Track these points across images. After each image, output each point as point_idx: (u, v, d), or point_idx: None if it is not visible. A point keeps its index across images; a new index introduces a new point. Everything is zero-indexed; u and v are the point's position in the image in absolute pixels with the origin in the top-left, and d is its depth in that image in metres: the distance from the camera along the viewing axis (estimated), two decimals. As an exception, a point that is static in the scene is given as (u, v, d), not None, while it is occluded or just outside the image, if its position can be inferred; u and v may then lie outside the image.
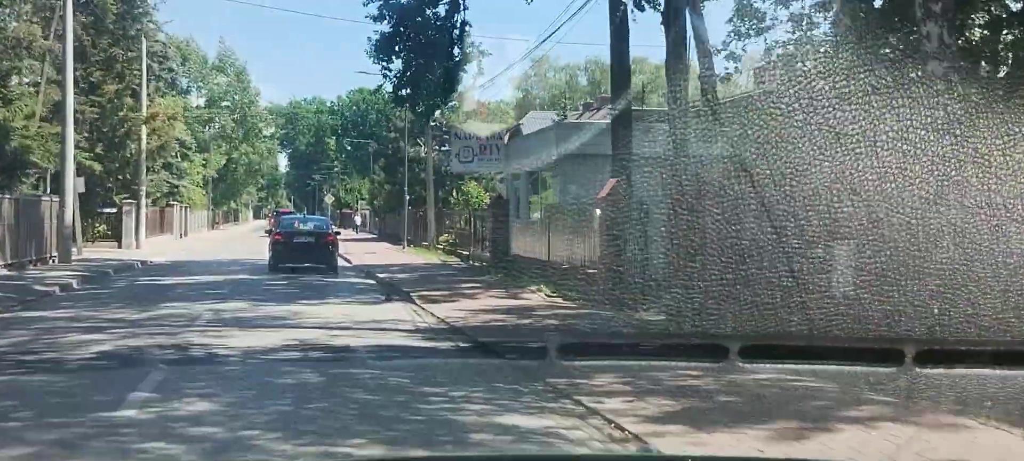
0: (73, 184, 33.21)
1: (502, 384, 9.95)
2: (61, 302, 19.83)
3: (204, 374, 10.34)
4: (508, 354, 11.96)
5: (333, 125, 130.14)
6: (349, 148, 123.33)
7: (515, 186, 33.42)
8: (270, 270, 29.52)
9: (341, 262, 35.12)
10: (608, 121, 39.84)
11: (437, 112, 52.60)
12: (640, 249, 19.26)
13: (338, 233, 34.02)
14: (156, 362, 11.18)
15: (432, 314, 17.76)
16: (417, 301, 20.22)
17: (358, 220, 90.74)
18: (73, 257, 32.84)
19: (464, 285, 24.36)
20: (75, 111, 41.79)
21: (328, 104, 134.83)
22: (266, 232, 54.98)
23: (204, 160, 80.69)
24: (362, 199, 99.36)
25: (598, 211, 21.08)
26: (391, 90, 31.17)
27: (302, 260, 29.48)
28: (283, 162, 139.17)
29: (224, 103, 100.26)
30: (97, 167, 42.53)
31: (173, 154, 58.53)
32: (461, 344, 13.54)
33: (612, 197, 20.52)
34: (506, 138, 35.49)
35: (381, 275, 28.36)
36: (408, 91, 31.69)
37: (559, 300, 20.40)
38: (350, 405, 8.63)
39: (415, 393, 9.31)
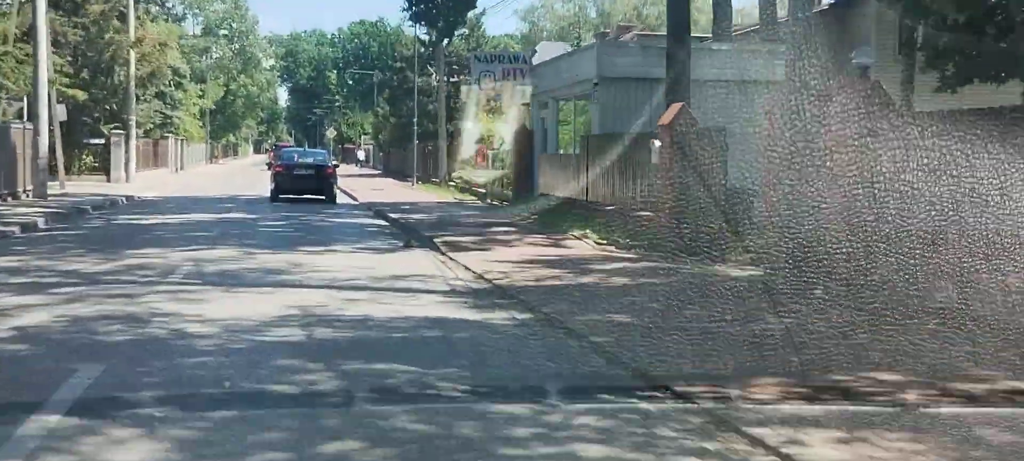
0: (48, 111, 29.69)
1: (612, 397, 6.50)
2: (14, 247, 16.33)
3: (156, 377, 6.78)
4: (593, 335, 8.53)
5: (334, 58, 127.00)
6: (351, 82, 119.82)
7: (540, 116, 29.84)
8: (272, 200, 30.12)
9: (347, 199, 33.08)
10: (635, 43, 36.15)
11: (445, 41, 48.99)
12: (718, 188, 15.81)
13: (337, 165, 35.04)
14: (93, 349, 7.75)
15: (465, 267, 14.32)
16: (442, 249, 16.79)
17: (361, 155, 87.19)
18: (51, 192, 29.44)
19: (493, 229, 20.87)
20: (56, 34, 38.29)
21: (329, 36, 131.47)
22: (267, 166, 53.36)
23: (201, 91, 76.87)
24: (365, 133, 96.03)
25: (656, 142, 17.51)
26: (406, 6, 27.57)
27: (303, 190, 30.50)
28: (283, 96, 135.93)
29: (222, 31, 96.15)
30: (81, 95, 38.79)
31: (166, 83, 54.72)
32: (516, 314, 10.07)
33: (678, 125, 16.99)
34: (531, 60, 31.72)
35: (393, 215, 24.95)
36: (423, 6, 28.10)
37: (612, 249, 16.96)
38: (388, 452, 5.19)
39: (487, 420, 5.80)
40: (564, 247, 17.30)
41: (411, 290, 11.90)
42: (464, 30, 51.35)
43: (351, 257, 15.67)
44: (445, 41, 48.66)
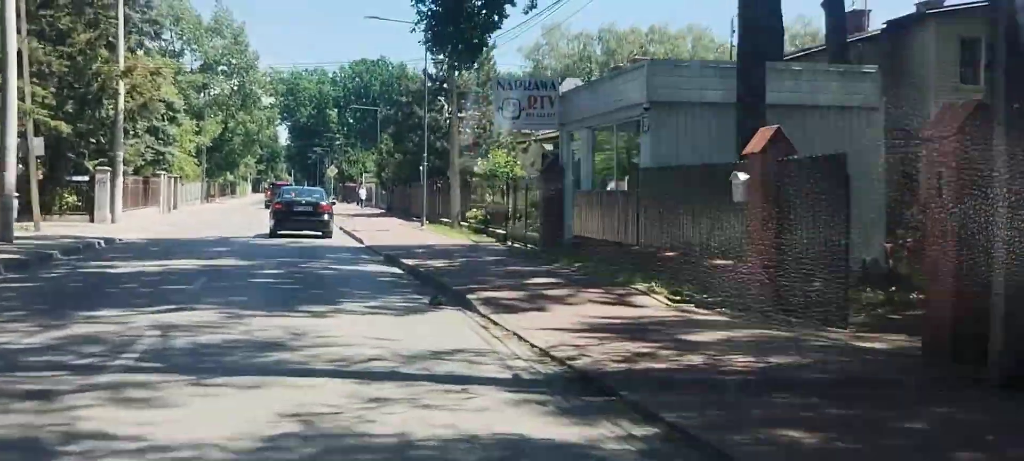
0: (15, 143, 26.24)
1: None
2: (-61, 307, 12.87)
3: None
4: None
5: (335, 97, 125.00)
6: (351, 120, 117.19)
7: (572, 149, 26.47)
8: (271, 235, 31.11)
9: (351, 242, 30.46)
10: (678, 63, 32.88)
11: (455, 73, 45.74)
12: (838, 233, 12.36)
13: (333, 203, 37.46)
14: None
15: (518, 336, 10.81)
16: (480, 308, 13.27)
17: (363, 193, 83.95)
18: (22, 234, 26.04)
19: (532, 280, 17.35)
20: (40, 63, 35.02)
21: (330, 74, 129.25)
22: (265, 205, 51.00)
23: (197, 127, 73.59)
24: (366, 172, 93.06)
25: (741, 175, 14.07)
26: (421, 26, 24.27)
27: (300, 227, 31.85)
28: (283, 135, 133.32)
29: (220, 67, 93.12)
30: (65, 127, 35.45)
31: (159, 116, 51.34)
32: (632, 429, 6.57)
33: (773, 154, 13.55)
34: (560, 88, 28.33)
35: (407, 261, 21.49)
36: (437, 29, 24.82)
37: (692, 308, 13.49)
38: None
39: None
40: (632, 305, 13.81)
41: (459, 379, 8.41)
42: (474, 64, 48.21)
43: (366, 321, 12.17)
44: (456, 72, 45.45)
